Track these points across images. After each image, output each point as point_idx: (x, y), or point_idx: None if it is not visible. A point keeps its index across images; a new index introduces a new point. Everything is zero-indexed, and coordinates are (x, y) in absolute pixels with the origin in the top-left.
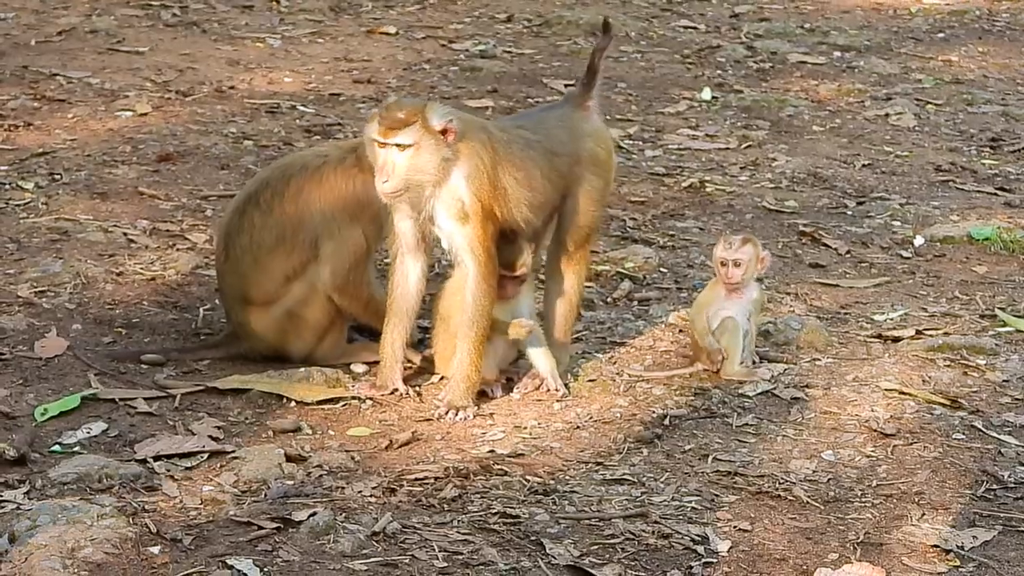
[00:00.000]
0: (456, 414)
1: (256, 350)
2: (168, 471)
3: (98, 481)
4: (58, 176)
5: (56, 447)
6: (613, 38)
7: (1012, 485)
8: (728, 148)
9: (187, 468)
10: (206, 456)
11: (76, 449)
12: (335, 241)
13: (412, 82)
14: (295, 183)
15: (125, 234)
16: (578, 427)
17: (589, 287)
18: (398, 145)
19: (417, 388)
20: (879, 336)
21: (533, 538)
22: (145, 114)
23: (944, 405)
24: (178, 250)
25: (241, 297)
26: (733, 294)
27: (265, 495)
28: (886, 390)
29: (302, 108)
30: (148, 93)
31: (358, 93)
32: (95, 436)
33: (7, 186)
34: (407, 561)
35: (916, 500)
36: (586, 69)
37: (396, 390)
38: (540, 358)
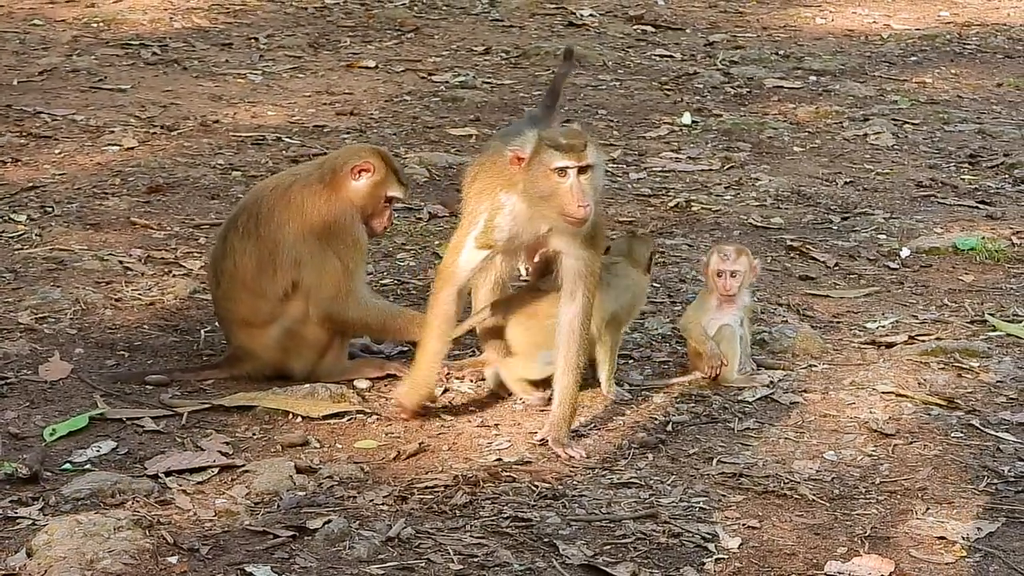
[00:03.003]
0: (566, 453)
1: (259, 370)
2: (180, 486)
3: (111, 496)
4: (50, 209)
5: (67, 465)
6: (575, 65)
7: (1012, 479)
8: (711, 169)
9: (199, 482)
10: (216, 470)
11: (87, 467)
12: (310, 268)
13: (394, 113)
14: (267, 205)
15: (121, 262)
16: (583, 435)
17: None
18: (588, 166)
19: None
20: (873, 342)
21: (546, 540)
22: (132, 148)
23: (941, 406)
24: (174, 276)
25: (238, 320)
26: (726, 304)
27: (278, 505)
28: (883, 393)
29: (287, 140)
30: (133, 128)
31: (342, 125)
32: (105, 454)
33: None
34: (423, 564)
35: (920, 495)
36: (548, 92)
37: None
38: (602, 364)
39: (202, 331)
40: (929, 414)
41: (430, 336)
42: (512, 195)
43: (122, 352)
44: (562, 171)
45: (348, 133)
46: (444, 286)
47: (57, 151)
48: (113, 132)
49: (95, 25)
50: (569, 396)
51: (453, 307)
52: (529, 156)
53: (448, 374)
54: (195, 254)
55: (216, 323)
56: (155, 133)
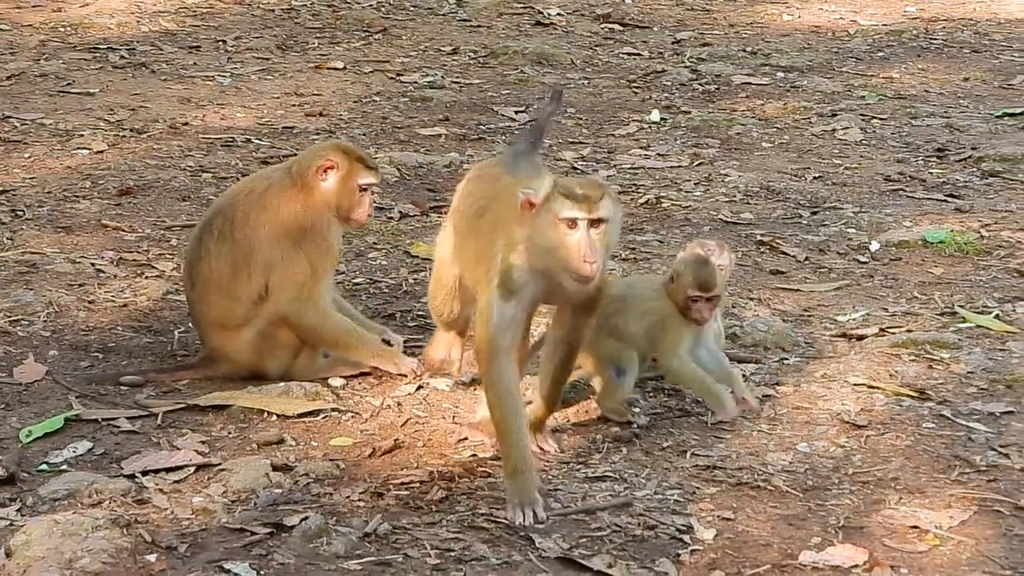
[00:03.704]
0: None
1: (233, 371)
2: (157, 485)
3: (88, 496)
4: (20, 212)
5: (44, 466)
6: (562, 106)
7: (984, 468)
8: (680, 166)
9: (175, 481)
10: (193, 469)
11: (64, 467)
12: (280, 268)
13: (364, 114)
14: (242, 209)
15: (93, 264)
16: (556, 430)
17: None
18: (600, 220)
19: (397, 400)
20: (844, 335)
21: (522, 534)
22: (101, 151)
23: (912, 397)
24: (147, 278)
25: (212, 322)
26: None
27: (255, 503)
28: (855, 385)
29: (257, 141)
30: (102, 132)
31: (311, 126)
32: (81, 455)
33: None
34: (400, 560)
35: (892, 485)
36: (533, 128)
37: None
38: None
39: (176, 332)
40: (900, 405)
41: (504, 419)
42: (523, 239)
43: (96, 353)
44: (572, 222)
45: (317, 134)
46: (491, 359)
47: (27, 155)
48: (82, 136)
49: (62, 29)
50: (550, 401)
51: (513, 375)
52: (540, 202)
53: (423, 372)
54: (167, 256)
55: (190, 324)
56: (124, 136)
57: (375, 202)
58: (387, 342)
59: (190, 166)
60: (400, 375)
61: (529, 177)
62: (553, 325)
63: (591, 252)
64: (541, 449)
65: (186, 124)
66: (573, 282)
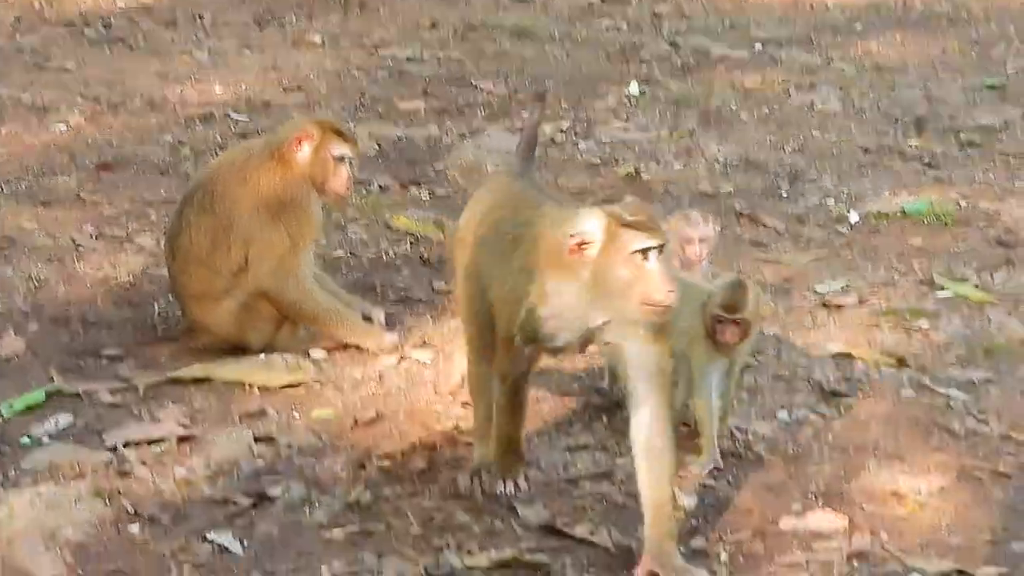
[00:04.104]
0: None
1: (214, 343)
2: (139, 457)
3: (71, 468)
4: None
5: (25, 439)
6: (547, 108)
7: (962, 435)
8: (660, 138)
9: (157, 453)
10: (175, 441)
11: (45, 440)
12: (259, 241)
13: (342, 88)
14: (222, 182)
15: (72, 239)
16: (539, 400)
17: None
18: (663, 245)
19: (378, 371)
20: (823, 305)
21: (504, 502)
22: (79, 127)
23: (891, 365)
24: (127, 252)
25: (193, 295)
26: (686, 269)
27: (237, 474)
28: (834, 353)
29: (235, 116)
30: (80, 107)
31: (290, 100)
32: (63, 428)
33: None
34: (383, 529)
35: (872, 452)
36: (524, 139)
37: None
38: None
39: (156, 305)
40: (880, 373)
41: (507, 419)
42: (570, 283)
43: (77, 327)
44: (644, 253)
45: (296, 109)
46: (508, 380)
47: (4, 131)
48: (59, 111)
49: (38, 4)
50: (668, 512)
51: (522, 399)
52: (602, 241)
53: (403, 344)
54: (147, 230)
55: (171, 297)
56: (102, 111)
57: (354, 176)
58: (368, 318)
59: (168, 141)
60: (381, 351)
61: (564, 208)
62: (631, 388)
63: (667, 280)
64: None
65: (164, 99)
66: (652, 315)
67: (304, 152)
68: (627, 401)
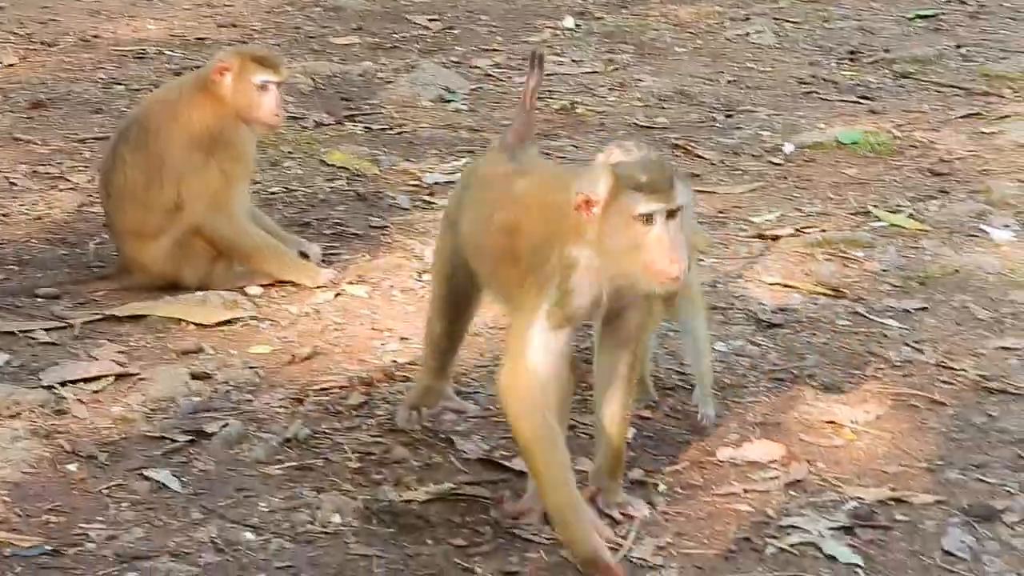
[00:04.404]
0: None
1: (150, 281)
2: (76, 395)
3: (7, 408)
4: None
5: None
6: (543, 73)
7: (899, 364)
8: (595, 72)
9: (94, 392)
10: (112, 379)
11: None
12: (192, 178)
13: (276, 24)
14: (155, 119)
15: (6, 178)
16: (476, 333)
17: None
18: (677, 209)
19: (315, 307)
20: (759, 236)
21: (442, 436)
22: (12, 65)
23: (827, 295)
24: (61, 191)
25: (128, 232)
26: None
27: (174, 411)
28: (771, 284)
29: (169, 53)
30: (12, 45)
31: (223, 37)
32: None
33: None
34: (321, 464)
35: (808, 382)
36: (519, 117)
37: None
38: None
39: (91, 244)
40: (816, 304)
41: (551, 481)
42: (584, 248)
43: (11, 266)
44: (648, 217)
45: (230, 45)
46: (528, 409)
47: None
48: None
49: None
50: (621, 448)
51: (553, 425)
52: (604, 199)
53: (340, 279)
54: (80, 168)
55: (106, 235)
56: (35, 49)
57: (282, 101)
58: (304, 254)
59: (102, 79)
60: (318, 288)
61: (562, 171)
62: (604, 337)
63: (675, 248)
64: (625, 515)
65: (97, 37)
66: (658, 286)
67: (227, 82)
68: (596, 340)
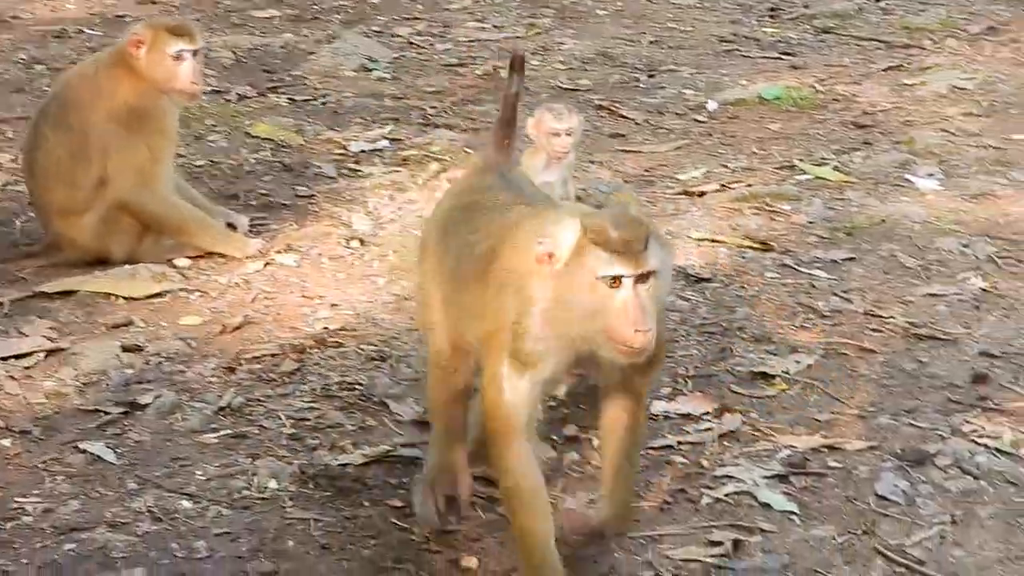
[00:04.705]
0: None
1: (78, 257)
2: (7, 372)
3: None
4: None
5: None
6: (524, 79)
7: (828, 314)
8: (516, 36)
9: (26, 367)
10: (43, 355)
11: None
12: (117, 153)
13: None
14: (74, 95)
15: None
16: (406, 298)
17: (399, 171)
18: (648, 274)
19: (244, 277)
20: (685, 192)
21: (376, 400)
22: None
23: (755, 248)
24: None
25: (55, 209)
26: (554, 162)
27: (107, 384)
28: (698, 239)
29: (90, 32)
30: None
31: (143, 13)
32: None
33: None
34: (256, 431)
35: (739, 334)
36: (502, 122)
37: None
38: None
39: (17, 221)
40: (744, 257)
41: (531, 528)
42: (547, 291)
43: None
44: (614, 280)
45: None
46: (505, 443)
47: None
48: None
49: None
50: (630, 493)
51: (535, 464)
52: (568, 254)
53: (268, 249)
54: (4, 148)
55: (32, 213)
56: None
57: (211, 84)
58: (231, 225)
59: (23, 59)
60: (247, 258)
61: (540, 205)
62: (605, 382)
63: (642, 316)
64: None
65: (15, 17)
66: (619, 356)
67: (141, 54)
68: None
